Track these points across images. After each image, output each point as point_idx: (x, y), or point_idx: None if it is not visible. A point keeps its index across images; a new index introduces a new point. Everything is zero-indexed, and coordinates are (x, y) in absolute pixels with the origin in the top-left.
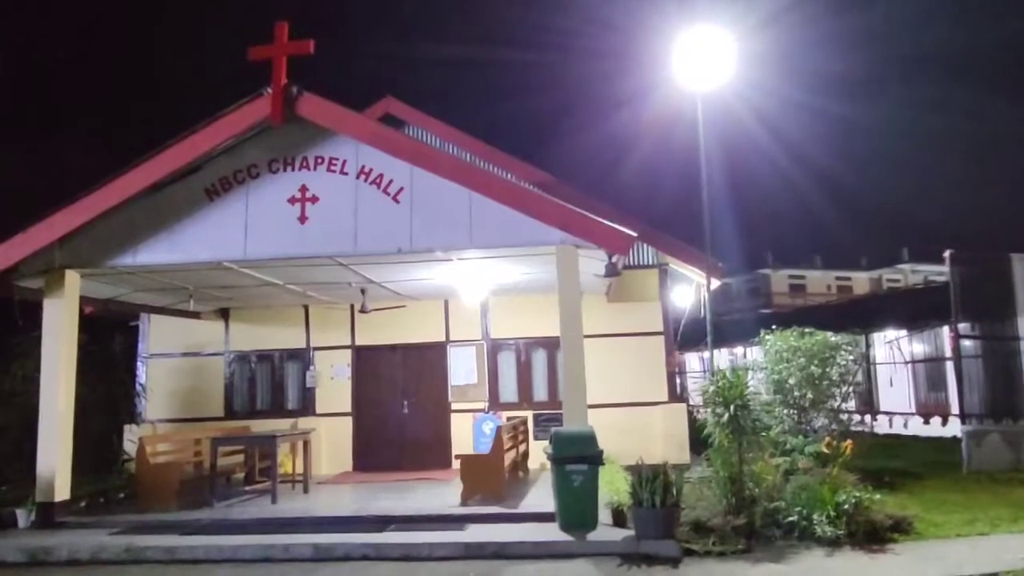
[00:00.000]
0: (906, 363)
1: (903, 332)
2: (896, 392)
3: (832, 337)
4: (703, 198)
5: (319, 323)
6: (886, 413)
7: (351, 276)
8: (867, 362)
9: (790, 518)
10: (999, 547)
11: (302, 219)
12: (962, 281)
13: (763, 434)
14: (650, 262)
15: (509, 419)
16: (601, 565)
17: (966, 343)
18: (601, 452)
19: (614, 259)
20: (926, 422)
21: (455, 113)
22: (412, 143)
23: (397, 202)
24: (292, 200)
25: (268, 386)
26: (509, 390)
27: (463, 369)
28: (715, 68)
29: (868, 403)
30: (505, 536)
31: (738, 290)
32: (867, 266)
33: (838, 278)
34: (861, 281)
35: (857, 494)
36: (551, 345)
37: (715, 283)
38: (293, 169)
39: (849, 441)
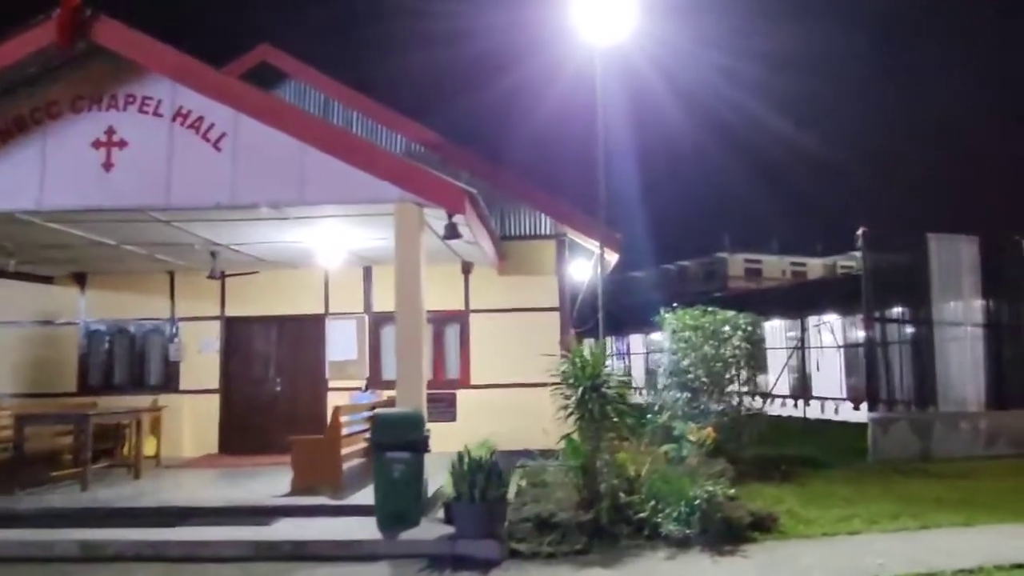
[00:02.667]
0: (839, 348)
1: (835, 317)
2: (827, 377)
3: (730, 315)
4: (599, 163)
5: (186, 292)
6: (818, 398)
7: (183, 235)
8: (802, 346)
9: (641, 514)
10: (863, 549)
11: (107, 166)
12: (875, 263)
13: (615, 419)
14: (547, 232)
15: (387, 399)
16: (403, 569)
17: (878, 327)
18: (426, 437)
19: (454, 219)
20: (856, 407)
21: (346, 70)
22: (235, 83)
23: (218, 150)
24: (97, 144)
25: (127, 359)
26: (393, 367)
27: (342, 344)
28: (616, 20)
29: (803, 388)
30: (310, 533)
31: (695, 272)
32: (821, 252)
33: (793, 263)
34: (815, 267)
35: (711, 488)
36: (441, 320)
37: (612, 255)
38: (100, 109)
39: (710, 429)
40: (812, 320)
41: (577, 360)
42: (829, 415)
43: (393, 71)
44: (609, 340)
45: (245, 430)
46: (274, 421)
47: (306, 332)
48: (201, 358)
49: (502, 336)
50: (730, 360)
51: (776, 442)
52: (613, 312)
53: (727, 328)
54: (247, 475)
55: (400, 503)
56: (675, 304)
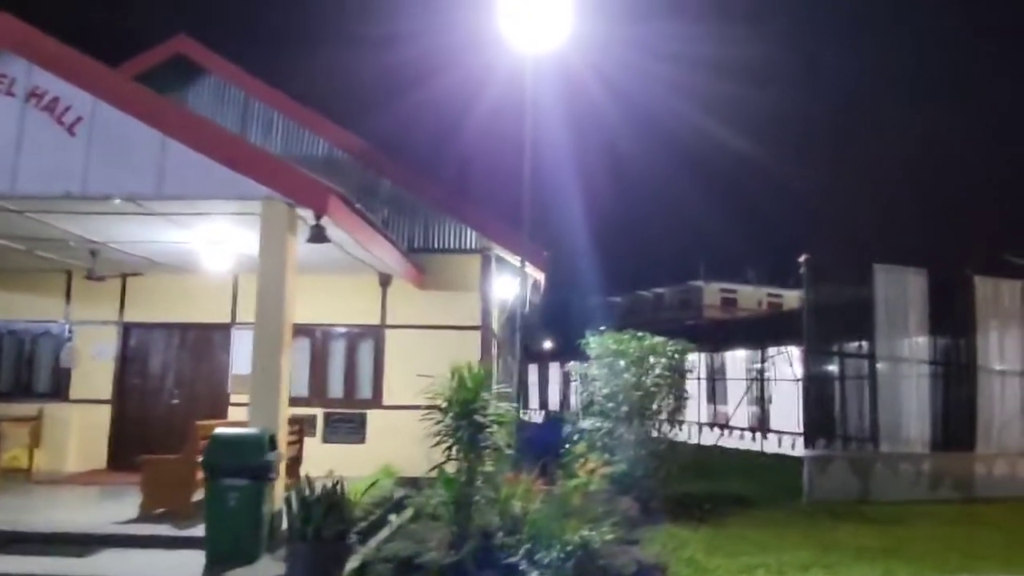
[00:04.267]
0: (796, 380)
1: (795, 349)
2: (785, 410)
3: (657, 342)
4: (526, 176)
5: (84, 294)
6: (776, 432)
7: (46, 229)
8: (761, 378)
9: (510, 559)
10: None
11: None
12: (818, 293)
13: (489, 449)
14: (472, 246)
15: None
16: None
17: (818, 361)
18: (270, 462)
19: (321, 221)
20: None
21: (269, 70)
22: (92, 65)
23: (72, 134)
24: None
25: (13, 364)
26: (300, 383)
27: (248, 356)
28: (549, 25)
29: (761, 421)
30: (127, 569)
31: (670, 300)
32: (794, 285)
33: (770, 295)
34: (791, 298)
35: (586, 533)
36: (354, 335)
37: (538, 273)
38: None
39: (592, 465)
40: (772, 351)
41: (455, 382)
42: (786, 449)
43: (319, 74)
44: (575, 364)
45: (137, 444)
46: (169, 436)
47: (210, 342)
48: (95, 365)
49: (419, 354)
50: (652, 389)
51: (716, 477)
52: (575, 336)
53: (652, 356)
54: (115, 495)
55: (234, 537)
56: (603, 328)
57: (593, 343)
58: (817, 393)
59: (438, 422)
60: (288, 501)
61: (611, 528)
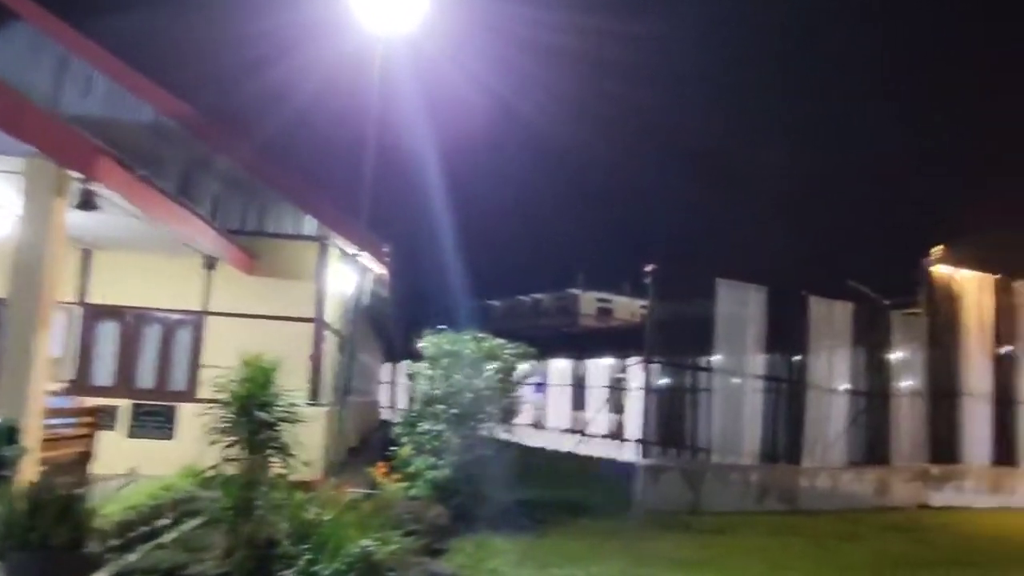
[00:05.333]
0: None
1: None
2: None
3: (496, 344)
4: (368, 161)
5: None
6: (632, 440)
7: None
8: (619, 387)
9: (284, 571)
10: None
11: None
12: (662, 303)
13: (276, 449)
14: (310, 234)
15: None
16: None
17: (656, 371)
18: (5, 458)
19: (90, 185)
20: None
21: (105, 34)
22: None
23: None
24: None
25: None
26: (105, 371)
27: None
28: (402, 7)
29: (618, 430)
30: None
31: (548, 306)
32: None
33: (642, 306)
34: None
35: (369, 543)
36: (173, 321)
37: (379, 267)
38: None
39: (382, 467)
40: (631, 361)
41: (241, 374)
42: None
43: (157, 40)
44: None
45: None
46: None
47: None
48: None
49: (244, 345)
50: (484, 392)
51: (560, 484)
52: None
53: (488, 359)
54: None
55: None
56: (442, 327)
57: (428, 343)
58: (654, 403)
59: (220, 418)
60: (6, 506)
61: (416, 537)
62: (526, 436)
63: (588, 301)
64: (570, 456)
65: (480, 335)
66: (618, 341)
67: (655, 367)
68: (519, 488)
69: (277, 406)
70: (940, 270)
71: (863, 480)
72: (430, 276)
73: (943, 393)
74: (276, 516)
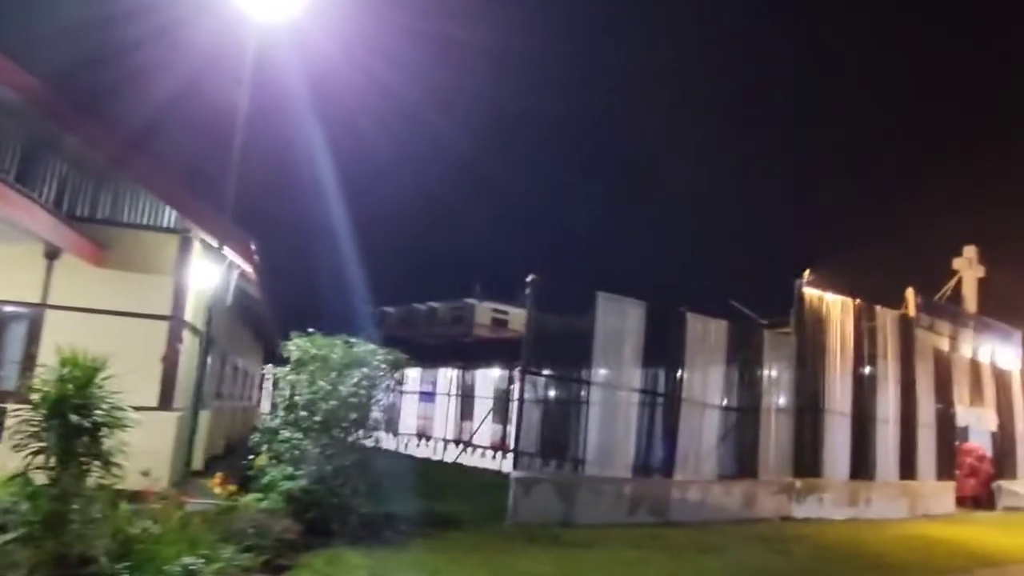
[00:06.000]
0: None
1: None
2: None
3: (369, 349)
4: (236, 152)
5: None
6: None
7: None
8: (506, 398)
9: None
10: None
11: None
12: (541, 315)
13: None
14: (169, 225)
15: None
16: None
17: (532, 382)
18: None
19: None
20: (544, 463)
21: None
22: None
23: None
24: None
25: None
26: None
27: None
28: None
29: (502, 440)
30: None
31: (444, 315)
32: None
33: None
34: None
35: (189, 560)
36: (3, 314)
37: (245, 264)
38: None
39: (220, 477)
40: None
41: (57, 373)
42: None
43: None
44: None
45: None
46: None
47: None
48: None
49: (89, 342)
50: (350, 399)
51: (434, 496)
52: None
53: (358, 365)
54: None
55: None
56: (311, 330)
57: (294, 346)
58: (529, 414)
59: (27, 421)
60: None
61: (256, 553)
62: (412, 446)
63: (484, 311)
64: (456, 467)
65: (351, 339)
66: (510, 352)
67: (532, 378)
68: (391, 500)
69: (99, 409)
70: (810, 292)
71: (732, 493)
72: (318, 279)
73: (808, 410)
74: (95, 531)
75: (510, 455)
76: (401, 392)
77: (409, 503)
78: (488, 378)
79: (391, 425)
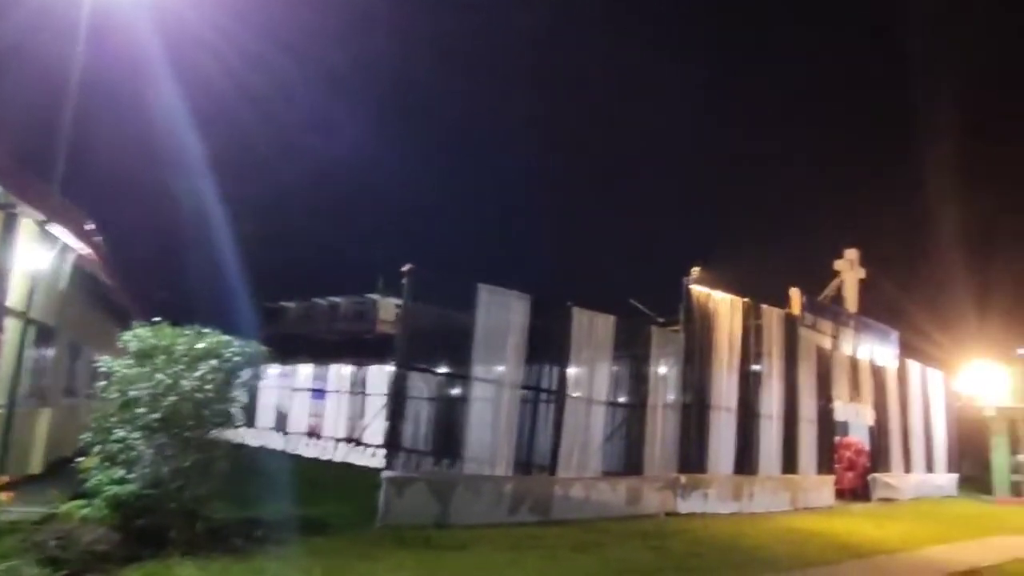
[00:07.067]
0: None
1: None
2: (417, 429)
3: (222, 340)
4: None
5: None
6: (408, 451)
7: None
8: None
9: None
10: None
11: None
12: (417, 307)
13: None
14: None
15: None
16: None
17: (407, 377)
18: None
19: None
20: (435, 463)
21: None
22: None
23: None
24: None
25: None
26: None
27: None
28: None
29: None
30: None
31: (346, 311)
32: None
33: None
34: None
35: None
36: None
37: (84, 247)
38: None
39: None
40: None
41: None
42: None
43: None
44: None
45: None
46: None
47: None
48: None
49: None
50: (195, 395)
51: (307, 498)
52: None
53: (208, 357)
54: None
55: None
56: (157, 319)
57: (132, 336)
58: (404, 411)
59: None
60: None
61: (55, 568)
62: (302, 445)
63: (387, 307)
64: (344, 466)
65: (204, 330)
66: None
67: (406, 373)
68: (254, 503)
69: None
70: (698, 290)
71: (616, 490)
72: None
73: (695, 406)
74: None
75: (402, 454)
76: (292, 390)
77: (275, 507)
78: (383, 374)
79: (280, 424)
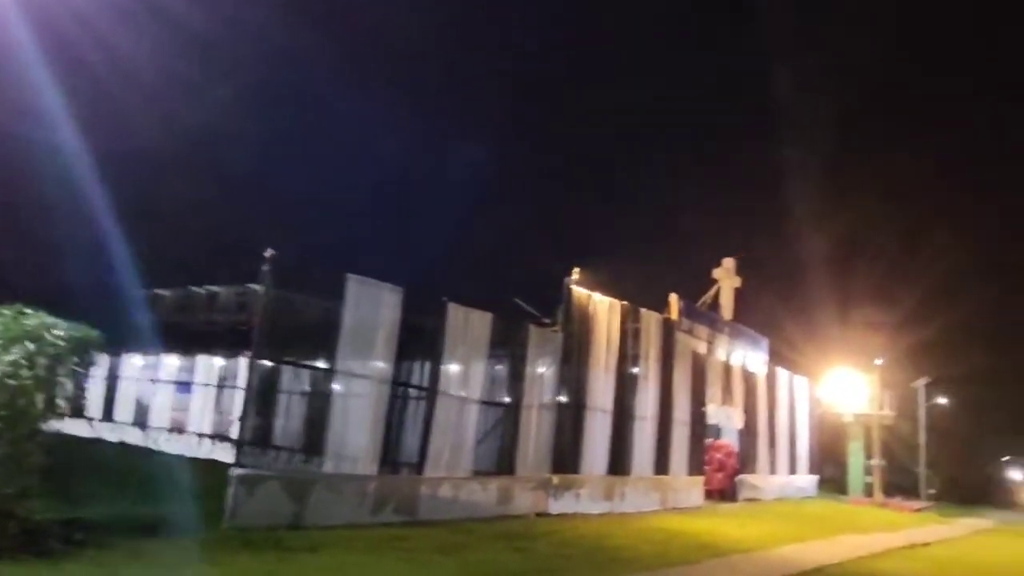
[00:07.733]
0: (303, 394)
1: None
2: (291, 425)
3: (40, 323)
4: None
5: None
6: (278, 448)
7: None
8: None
9: None
10: None
11: None
12: (280, 296)
13: None
14: None
15: None
16: None
17: (266, 369)
18: None
19: None
20: (305, 460)
21: None
22: None
23: None
24: None
25: None
26: None
27: None
28: None
29: (265, 435)
30: None
31: (226, 301)
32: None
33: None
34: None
35: None
36: None
37: None
38: None
39: None
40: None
41: None
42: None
43: None
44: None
45: None
46: None
47: None
48: None
49: None
50: (6, 380)
51: (149, 498)
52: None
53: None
54: None
55: None
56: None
57: None
58: (252, 406)
59: None
60: None
61: None
62: (163, 441)
63: None
64: (210, 463)
65: (26, 311)
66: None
67: (262, 365)
68: (87, 503)
69: None
70: (578, 291)
71: (487, 490)
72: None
73: (571, 406)
74: None
75: (270, 450)
76: (153, 381)
77: (111, 506)
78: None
79: (140, 417)
